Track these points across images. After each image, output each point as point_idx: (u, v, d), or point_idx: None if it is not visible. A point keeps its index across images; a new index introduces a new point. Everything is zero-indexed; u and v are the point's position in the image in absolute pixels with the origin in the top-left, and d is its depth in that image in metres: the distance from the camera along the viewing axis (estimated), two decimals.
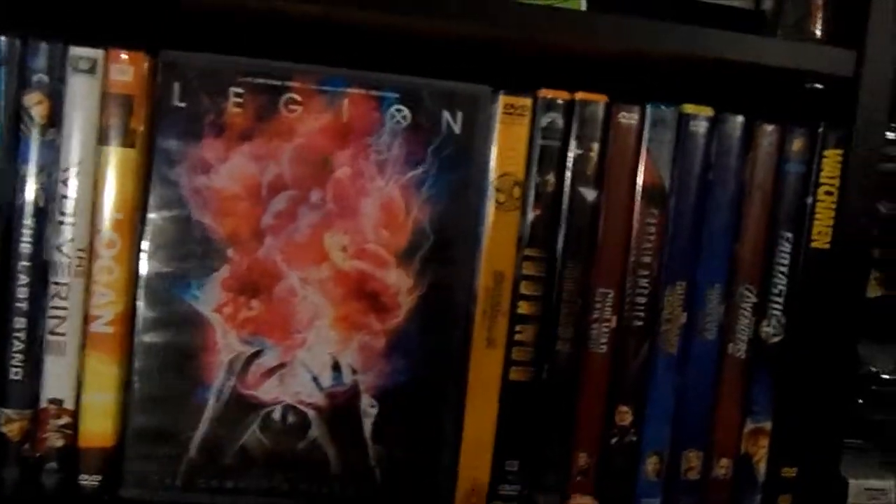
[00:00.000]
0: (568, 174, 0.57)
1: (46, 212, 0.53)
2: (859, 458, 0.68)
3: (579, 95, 0.57)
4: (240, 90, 0.55)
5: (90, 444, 0.55)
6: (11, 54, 0.52)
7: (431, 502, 0.59)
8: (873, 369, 0.69)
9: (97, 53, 0.53)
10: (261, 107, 0.55)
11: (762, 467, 0.62)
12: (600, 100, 0.57)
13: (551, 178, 0.57)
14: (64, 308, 0.54)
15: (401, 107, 0.56)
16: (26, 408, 0.54)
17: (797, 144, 0.60)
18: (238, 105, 0.55)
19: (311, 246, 0.56)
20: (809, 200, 0.60)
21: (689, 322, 0.60)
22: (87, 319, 0.54)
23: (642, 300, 0.59)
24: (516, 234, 0.57)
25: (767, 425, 0.61)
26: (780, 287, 0.60)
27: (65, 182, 0.53)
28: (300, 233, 0.56)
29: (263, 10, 0.56)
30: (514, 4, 0.56)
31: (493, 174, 0.57)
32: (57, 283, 0.54)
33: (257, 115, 0.55)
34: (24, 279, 0.53)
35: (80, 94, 0.53)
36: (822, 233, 0.60)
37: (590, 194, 0.58)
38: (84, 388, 0.55)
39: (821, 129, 0.60)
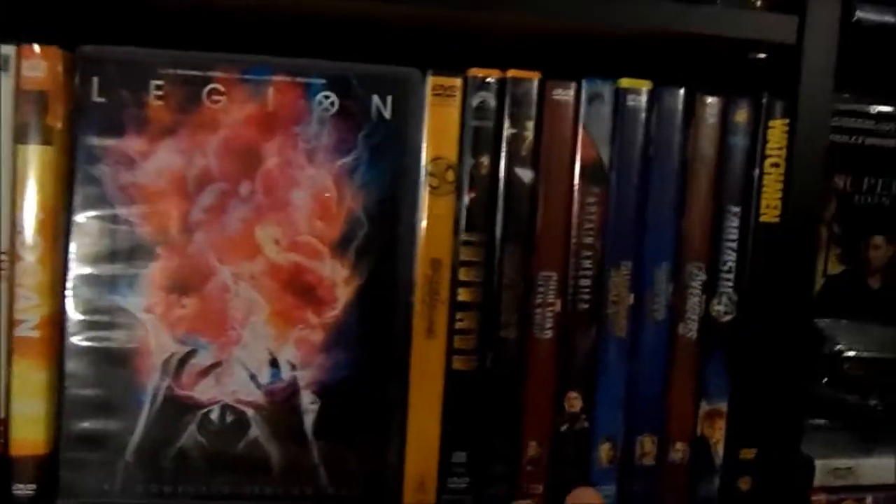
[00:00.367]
0: (503, 155, 0.56)
1: None
2: (825, 437, 0.66)
3: (511, 73, 0.55)
4: (160, 83, 0.53)
5: (22, 453, 0.54)
6: None
7: (379, 499, 0.57)
8: (838, 347, 0.67)
9: (9, 50, 0.52)
10: (183, 99, 0.54)
11: (719, 449, 0.60)
12: (533, 77, 0.56)
13: (486, 159, 0.56)
14: None
15: (328, 93, 0.55)
16: None
17: (741, 116, 0.58)
18: (159, 98, 0.53)
19: (242, 240, 0.55)
20: (756, 173, 0.59)
21: (636, 303, 0.58)
22: (12, 324, 0.53)
23: (587, 282, 0.57)
24: (452, 220, 0.56)
25: (723, 407, 0.60)
26: (730, 264, 0.59)
27: None
28: (231, 227, 0.55)
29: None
30: None
31: (425, 158, 0.55)
32: None
33: (180, 107, 0.54)
34: None
35: None
36: (770, 206, 0.59)
37: (526, 175, 0.56)
38: (13, 395, 0.53)
39: (765, 100, 0.58)
